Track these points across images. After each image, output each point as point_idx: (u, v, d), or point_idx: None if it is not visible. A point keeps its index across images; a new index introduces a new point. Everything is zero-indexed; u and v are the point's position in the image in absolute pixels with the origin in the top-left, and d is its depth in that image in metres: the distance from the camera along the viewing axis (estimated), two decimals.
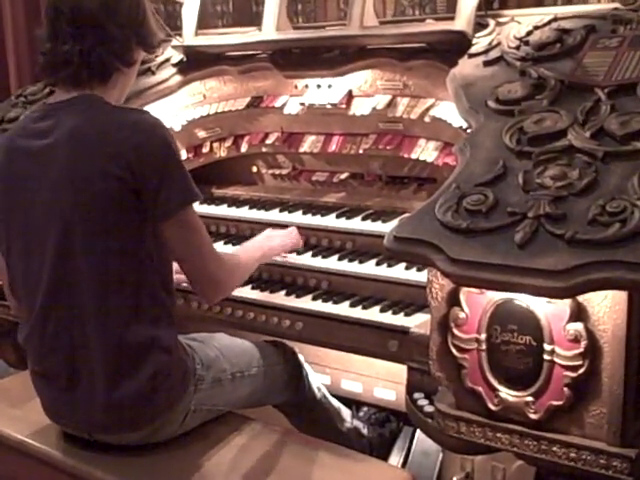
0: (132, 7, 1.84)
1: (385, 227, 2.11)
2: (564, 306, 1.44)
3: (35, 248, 1.80)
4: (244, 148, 2.62)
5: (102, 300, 1.75)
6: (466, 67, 1.98)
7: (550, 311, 1.46)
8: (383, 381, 2.43)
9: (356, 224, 2.24)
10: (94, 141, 1.73)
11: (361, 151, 2.36)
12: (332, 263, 2.17)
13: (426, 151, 2.22)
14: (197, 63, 2.63)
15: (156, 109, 2.60)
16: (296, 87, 2.46)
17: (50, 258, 1.77)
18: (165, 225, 1.76)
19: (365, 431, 2.35)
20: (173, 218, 1.75)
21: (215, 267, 1.84)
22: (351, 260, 2.15)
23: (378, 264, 2.10)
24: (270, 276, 2.26)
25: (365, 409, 2.48)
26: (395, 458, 2.35)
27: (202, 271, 1.83)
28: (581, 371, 1.45)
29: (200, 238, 1.82)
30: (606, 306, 1.43)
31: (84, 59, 1.78)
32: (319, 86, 2.39)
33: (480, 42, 2.04)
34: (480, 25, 2.09)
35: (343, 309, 2.03)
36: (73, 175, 1.73)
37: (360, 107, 2.32)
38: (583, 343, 1.44)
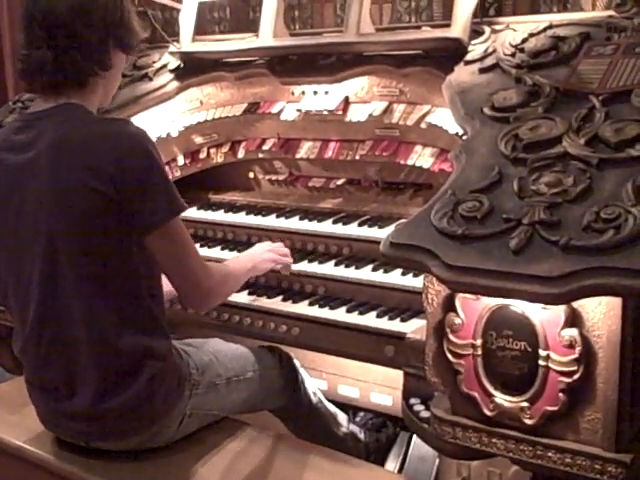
0: (107, 9, 1.79)
1: (382, 233, 2.13)
2: (559, 312, 1.45)
3: (24, 263, 1.79)
4: (241, 154, 2.62)
5: (92, 313, 1.75)
6: (462, 74, 1.99)
7: (545, 317, 1.47)
8: (379, 386, 2.44)
9: (353, 230, 2.25)
10: (75, 154, 1.71)
11: (358, 157, 2.37)
12: (329, 269, 2.17)
13: (422, 157, 2.22)
14: (194, 69, 2.63)
15: (153, 115, 2.62)
16: (293, 93, 2.46)
17: (39, 273, 1.76)
18: (150, 238, 1.74)
19: (362, 436, 2.35)
20: (158, 230, 1.73)
21: (203, 277, 1.83)
22: (348, 266, 2.16)
23: (375, 270, 2.11)
24: (267, 281, 2.27)
25: (362, 414, 2.48)
26: (392, 463, 2.35)
27: (190, 282, 1.82)
28: (576, 377, 1.46)
29: (187, 249, 1.80)
30: (601, 312, 1.43)
31: (58, 64, 1.75)
32: (316, 92, 2.40)
33: (476, 49, 2.05)
34: (476, 32, 2.10)
35: (340, 314, 2.03)
36: (55, 189, 1.72)
37: (357, 113, 2.33)
38: (578, 349, 1.45)
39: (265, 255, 2.14)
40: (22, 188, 1.77)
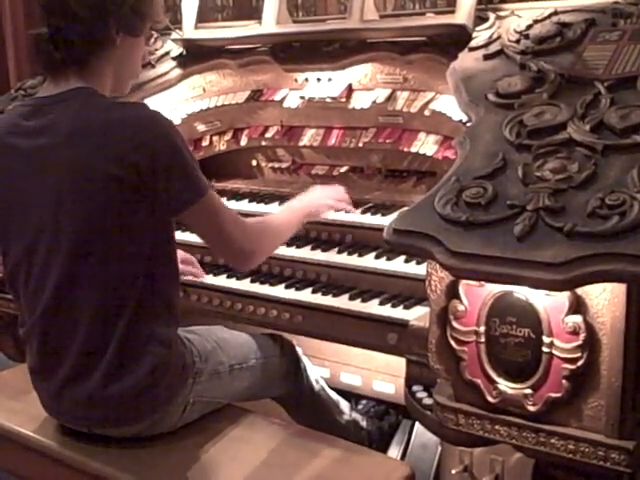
0: None
1: (385, 220, 2.12)
2: (563, 298, 1.45)
3: (38, 251, 1.78)
4: (244, 142, 2.62)
5: (106, 300, 1.75)
6: (466, 61, 1.98)
7: (549, 303, 1.46)
8: (382, 374, 2.44)
9: (356, 217, 2.24)
10: (96, 141, 1.69)
11: (361, 144, 2.37)
12: (331, 256, 2.17)
13: (426, 145, 2.22)
14: (197, 56, 2.63)
15: (156, 102, 2.61)
16: (296, 81, 2.46)
17: (56, 261, 1.75)
18: (183, 216, 1.76)
19: (364, 424, 2.35)
20: (188, 210, 1.74)
21: (244, 241, 1.85)
22: (350, 253, 2.15)
23: (377, 257, 2.10)
24: (269, 269, 2.26)
25: (364, 402, 2.49)
26: (394, 451, 2.35)
27: (230, 249, 1.86)
28: (580, 363, 1.45)
29: (221, 220, 1.81)
30: (605, 298, 1.43)
31: (53, 42, 1.73)
32: (319, 80, 2.39)
33: (480, 36, 2.03)
34: (480, 19, 2.09)
35: (342, 302, 2.03)
36: (75, 176, 1.70)
37: (360, 101, 2.32)
38: (582, 335, 1.44)
39: (322, 201, 2.14)
40: (37, 174, 1.75)
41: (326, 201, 2.15)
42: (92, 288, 1.75)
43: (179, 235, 2.23)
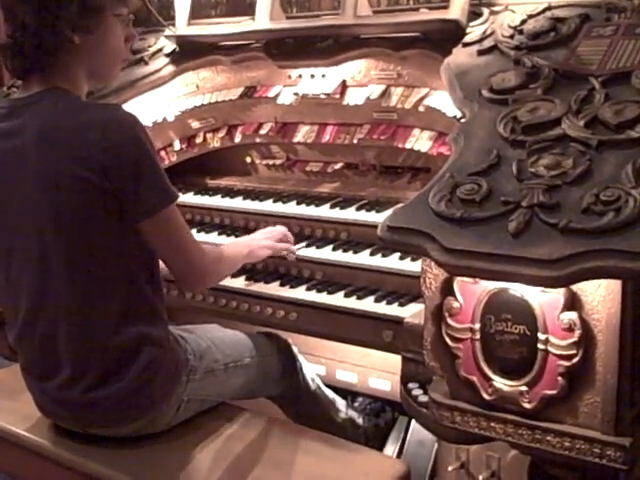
0: None
1: (379, 217, 2.11)
2: (558, 295, 1.44)
3: (14, 254, 1.78)
4: (238, 138, 2.61)
5: (86, 303, 1.74)
6: (460, 56, 1.97)
7: (544, 300, 1.46)
8: (378, 371, 2.44)
9: (350, 214, 2.24)
10: (63, 144, 1.68)
11: (355, 141, 2.36)
12: (326, 253, 2.16)
13: (420, 141, 2.21)
14: (190, 53, 2.62)
15: (149, 100, 2.60)
16: (290, 77, 2.44)
17: (31, 264, 1.75)
18: (143, 225, 1.73)
19: (360, 421, 2.35)
20: (151, 219, 1.71)
21: (198, 260, 1.82)
22: (345, 250, 2.14)
23: (372, 254, 2.09)
24: (264, 266, 2.25)
25: (360, 399, 2.49)
26: (390, 448, 2.35)
27: (185, 265, 1.82)
28: (575, 360, 1.45)
29: (181, 234, 1.79)
30: (600, 295, 1.42)
31: (9, 51, 1.74)
32: (313, 76, 2.38)
33: (474, 31, 2.02)
34: (474, 14, 2.08)
35: (337, 299, 2.02)
36: (45, 180, 1.70)
37: (354, 97, 2.31)
38: (577, 332, 1.43)
39: (262, 242, 2.12)
40: (9, 178, 1.76)
41: (265, 243, 2.13)
42: (68, 292, 1.74)
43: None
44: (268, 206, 2.40)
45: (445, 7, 2.12)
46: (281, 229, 2.21)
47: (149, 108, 2.59)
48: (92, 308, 1.75)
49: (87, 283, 1.74)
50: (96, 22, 1.77)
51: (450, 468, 2.00)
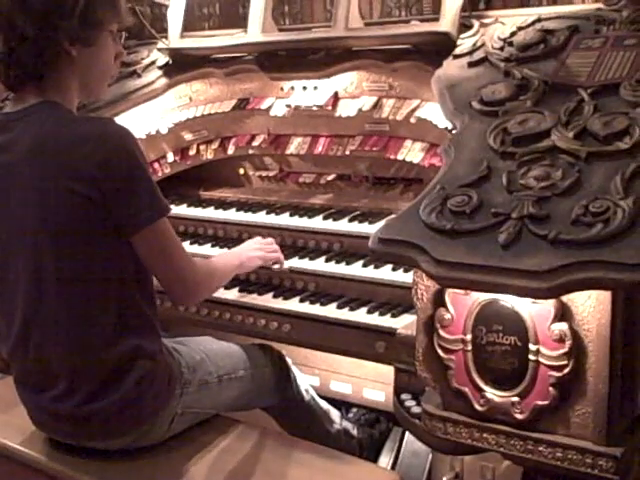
0: (53, 3, 1.71)
1: (372, 228, 2.11)
2: (548, 306, 1.45)
3: (9, 267, 1.78)
4: (231, 150, 2.62)
5: (79, 315, 1.74)
6: (450, 68, 1.99)
7: (535, 311, 1.46)
8: (372, 382, 2.44)
9: (343, 225, 2.25)
10: (56, 158, 1.68)
11: (347, 152, 2.37)
12: (319, 265, 2.17)
13: (412, 152, 2.22)
14: (183, 65, 2.63)
15: (142, 112, 2.61)
16: (282, 89, 2.46)
17: (25, 278, 1.75)
18: (135, 238, 1.73)
19: (355, 432, 2.34)
20: (142, 232, 1.72)
21: (189, 274, 1.83)
22: (338, 262, 2.15)
23: (365, 265, 2.10)
24: (257, 278, 2.26)
25: (354, 410, 2.49)
26: (385, 459, 2.35)
27: (176, 279, 1.82)
28: (566, 371, 1.45)
29: (172, 248, 1.79)
30: (590, 306, 1.43)
31: (5, 61, 1.73)
32: (305, 88, 2.40)
33: (464, 43, 2.04)
34: (465, 26, 2.10)
35: (330, 311, 2.03)
36: (37, 193, 1.70)
37: (346, 108, 2.32)
38: (568, 343, 1.44)
39: (253, 253, 2.13)
40: (4, 190, 1.76)
41: (256, 253, 2.14)
42: (61, 305, 1.74)
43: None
44: (261, 217, 2.40)
45: (436, 19, 2.14)
46: (270, 240, 2.22)
47: (142, 120, 2.60)
48: (86, 320, 1.75)
49: (81, 296, 1.74)
50: (94, 36, 1.79)
51: (445, 478, 2.01)
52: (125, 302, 1.77)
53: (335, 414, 2.33)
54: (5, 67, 1.75)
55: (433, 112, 2.08)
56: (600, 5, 1.94)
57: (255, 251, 2.14)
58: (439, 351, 1.59)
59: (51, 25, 1.71)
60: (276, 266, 2.18)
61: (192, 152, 2.68)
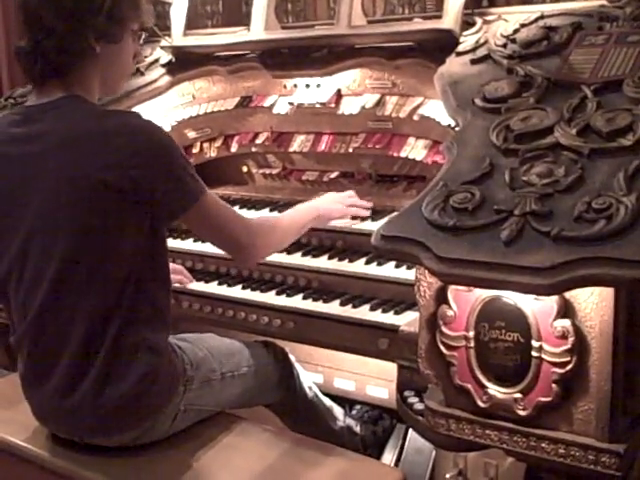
0: None
1: (375, 225, 2.09)
2: (551, 303, 1.45)
3: (31, 254, 1.78)
4: (234, 148, 2.62)
5: (97, 307, 1.74)
6: (453, 65, 1.99)
7: (537, 308, 1.46)
8: (375, 379, 2.44)
9: (346, 223, 2.24)
10: (88, 149, 1.69)
11: (351, 150, 2.37)
12: (322, 262, 2.17)
13: (415, 149, 2.22)
14: (186, 63, 2.63)
15: (145, 110, 2.61)
16: (285, 87, 2.46)
17: (47, 265, 1.75)
18: (183, 219, 1.81)
19: (358, 429, 2.35)
20: (188, 213, 1.77)
21: (246, 238, 1.87)
22: (341, 259, 2.15)
23: (368, 263, 2.10)
24: (261, 275, 2.26)
25: (358, 407, 2.48)
26: (388, 455, 2.35)
27: (233, 246, 1.90)
28: (569, 367, 1.45)
29: (222, 219, 1.84)
30: (593, 302, 1.43)
31: (33, 55, 1.75)
32: (308, 85, 2.39)
33: (467, 40, 2.04)
34: (467, 23, 2.09)
35: (333, 308, 2.03)
36: (65, 183, 1.70)
37: (349, 106, 2.33)
38: (570, 339, 1.44)
39: (332, 205, 2.15)
40: (28, 182, 1.76)
41: (337, 206, 2.16)
42: (82, 294, 1.75)
43: (170, 243, 2.24)
44: (264, 215, 2.40)
45: (439, 17, 2.13)
46: (350, 192, 2.24)
47: (146, 118, 2.59)
48: (106, 313, 1.75)
49: (103, 289, 1.74)
50: (119, 33, 1.82)
51: (448, 475, 2.01)
52: (144, 294, 1.78)
53: (338, 411, 2.33)
54: (30, 61, 1.77)
55: (436, 109, 2.08)
56: (603, 2, 1.94)
57: (334, 203, 2.16)
58: (442, 348, 1.59)
59: (79, 21, 1.73)
60: (364, 213, 2.19)
61: (195, 150, 2.69)
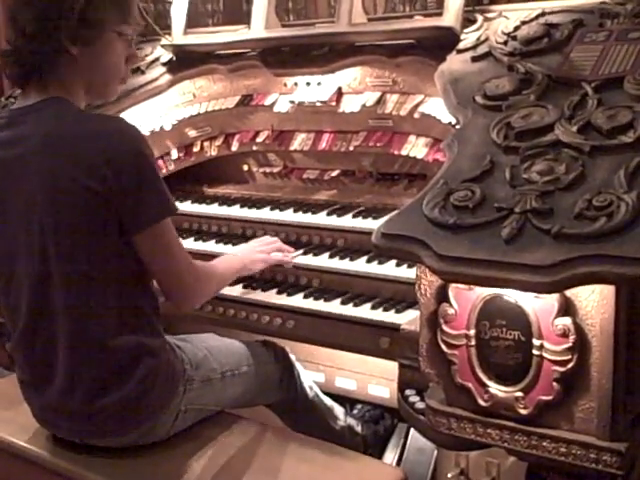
0: (54, 1, 1.72)
1: (376, 224, 2.08)
2: (552, 301, 1.44)
3: (14, 262, 1.78)
4: (235, 147, 2.61)
5: (83, 312, 1.75)
6: (454, 63, 1.98)
7: (538, 306, 1.46)
8: (377, 378, 2.43)
9: (347, 221, 2.24)
10: (67, 152, 1.70)
11: (351, 148, 2.36)
12: (323, 261, 2.16)
13: (416, 147, 2.21)
14: (187, 62, 2.62)
15: (146, 109, 2.61)
16: (285, 85, 2.45)
17: (30, 272, 1.75)
18: (138, 237, 1.74)
19: (359, 429, 2.34)
20: (146, 231, 1.73)
21: (188, 278, 1.83)
22: (342, 257, 2.14)
23: (369, 261, 2.10)
24: (261, 274, 2.25)
25: (359, 406, 2.48)
26: (390, 455, 2.35)
27: (174, 282, 1.83)
28: (570, 366, 1.44)
29: (173, 250, 1.80)
30: (594, 300, 1.42)
31: (10, 57, 1.76)
32: (308, 84, 2.39)
33: (468, 38, 2.03)
34: (468, 21, 2.08)
35: (334, 307, 2.02)
36: (47, 187, 1.71)
37: (350, 104, 2.32)
38: (571, 338, 1.43)
39: (255, 255, 2.13)
40: (11, 185, 1.76)
41: (260, 256, 2.14)
42: (67, 297, 1.75)
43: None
44: (265, 214, 2.40)
45: (439, 14, 2.12)
46: (274, 239, 2.21)
47: (146, 117, 2.60)
48: (88, 317, 1.75)
49: (83, 291, 1.74)
50: (95, 35, 1.79)
51: (450, 475, 2.00)
52: (128, 299, 1.78)
53: (339, 411, 2.33)
54: (9, 62, 1.78)
55: (437, 107, 2.07)
56: None
57: (258, 254, 2.14)
58: (442, 346, 1.58)
59: (50, 23, 1.72)
60: (288, 265, 2.17)
61: (196, 149, 2.68)
